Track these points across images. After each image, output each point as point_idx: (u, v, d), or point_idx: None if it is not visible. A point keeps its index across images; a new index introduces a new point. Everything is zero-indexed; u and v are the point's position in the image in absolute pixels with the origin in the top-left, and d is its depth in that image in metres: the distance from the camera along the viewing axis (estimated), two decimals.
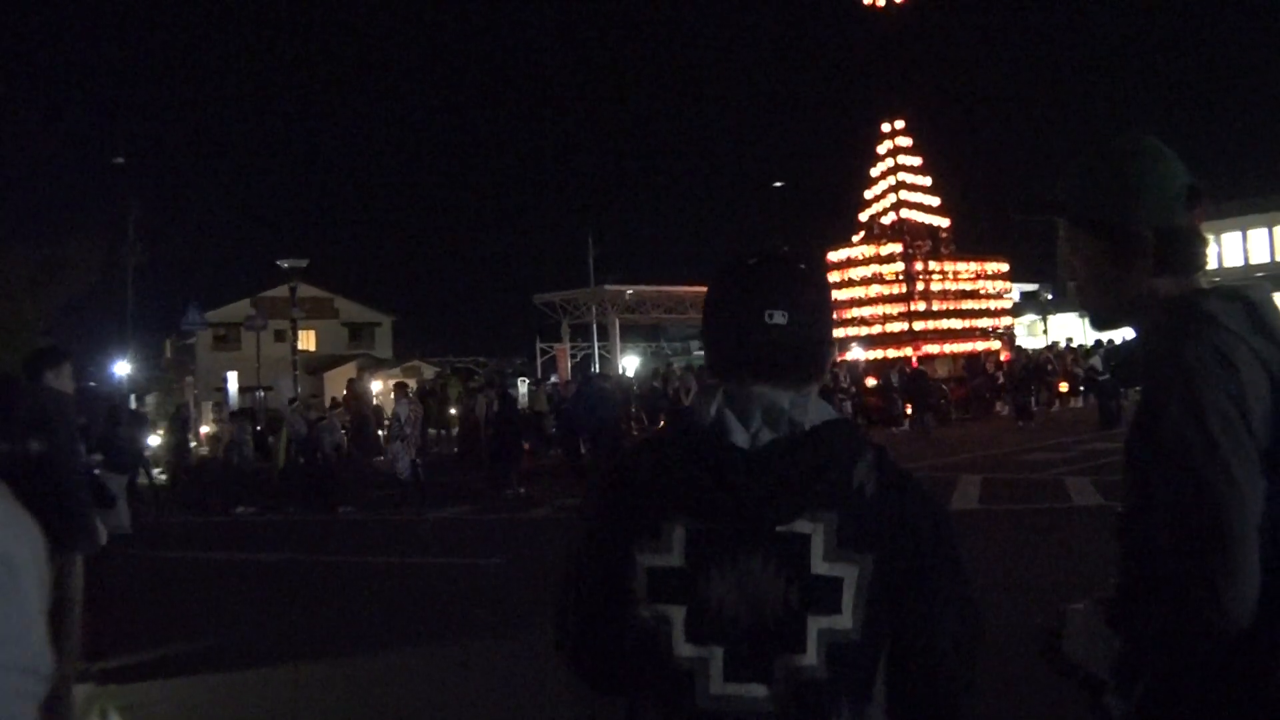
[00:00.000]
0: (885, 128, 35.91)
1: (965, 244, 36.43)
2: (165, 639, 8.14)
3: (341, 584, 10.92)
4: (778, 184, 50.44)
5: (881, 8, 35.46)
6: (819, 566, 1.54)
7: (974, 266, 36.12)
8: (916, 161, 36.02)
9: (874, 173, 36.08)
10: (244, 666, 7.32)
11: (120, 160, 38.13)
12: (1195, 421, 1.75)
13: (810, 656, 1.53)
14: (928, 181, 35.87)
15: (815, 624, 1.53)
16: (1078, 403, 31.17)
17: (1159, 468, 1.82)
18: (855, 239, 35.98)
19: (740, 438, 1.58)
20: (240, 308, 48.84)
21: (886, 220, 35.28)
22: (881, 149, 35.88)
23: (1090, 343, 37.08)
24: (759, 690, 1.54)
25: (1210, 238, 2.04)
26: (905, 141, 35.90)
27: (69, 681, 5.78)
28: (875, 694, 1.60)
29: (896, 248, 34.66)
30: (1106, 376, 24.03)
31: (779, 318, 1.63)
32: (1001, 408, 29.30)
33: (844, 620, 1.54)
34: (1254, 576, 1.72)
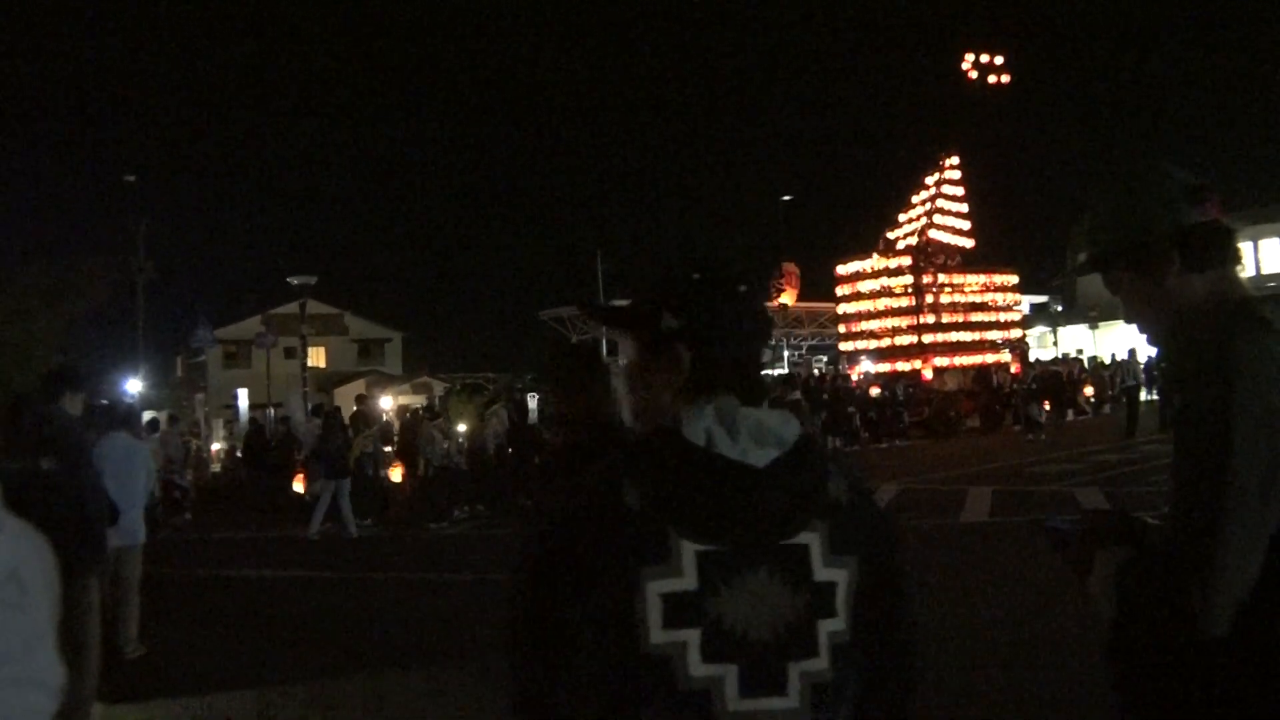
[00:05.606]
0: (939, 160, 36.06)
1: (975, 257, 36.45)
2: (173, 657, 8.16)
3: (350, 601, 10.93)
4: (786, 198, 50.34)
5: (974, 80, 36.08)
6: (820, 573, 1.59)
7: (983, 279, 36.11)
8: (959, 191, 36.15)
9: (915, 199, 36.13)
10: (253, 685, 7.32)
11: (131, 178, 38.28)
12: (1223, 421, 1.74)
13: (822, 660, 1.58)
14: (964, 208, 35.98)
15: (823, 627, 1.59)
16: (1089, 414, 31.23)
17: (1178, 457, 1.82)
18: (874, 253, 36.06)
19: (737, 456, 1.59)
20: (250, 325, 48.98)
21: (913, 240, 35.26)
22: (930, 179, 35.95)
23: (1104, 356, 37.25)
24: (775, 703, 1.56)
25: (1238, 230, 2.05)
26: (954, 174, 36.03)
27: (91, 698, 5.79)
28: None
29: (906, 260, 34.66)
30: (1132, 383, 24.17)
31: (768, 352, 1.75)
32: (1013, 420, 29.28)
33: (839, 622, 1.60)
34: (1237, 588, 1.71)
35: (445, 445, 18.98)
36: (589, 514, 1.60)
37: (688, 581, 1.54)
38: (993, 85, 37.10)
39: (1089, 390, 32.65)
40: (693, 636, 1.54)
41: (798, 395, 14.21)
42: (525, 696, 1.67)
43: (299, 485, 19.43)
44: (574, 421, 3.67)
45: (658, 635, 1.54)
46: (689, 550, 1.55)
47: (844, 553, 1.62)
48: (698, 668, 1.54)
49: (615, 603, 1.55)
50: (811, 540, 1.60)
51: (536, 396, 39.58)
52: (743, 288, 1.74)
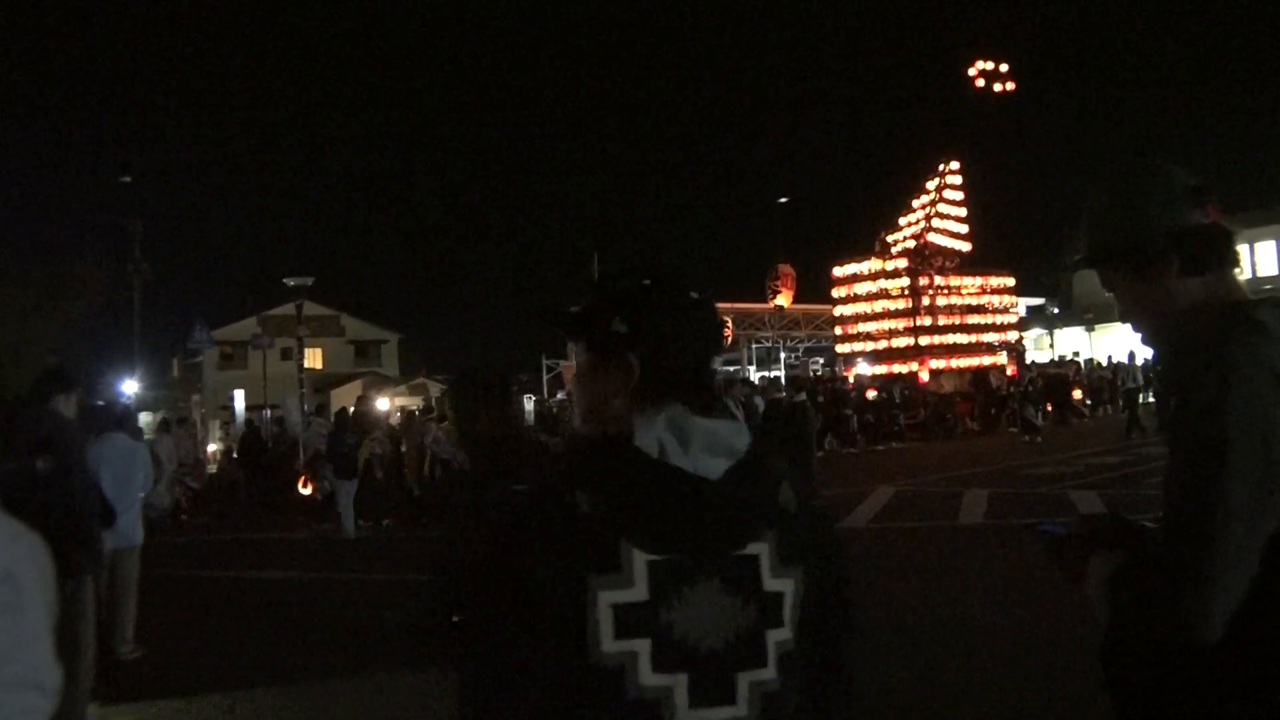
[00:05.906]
0: (940, 165, 36.05)
1: (971, 259, 36.44)
2: (170, 658, 8.15)
3: (349, 602, 10.92)
4: (783, 200, 50.36)
5: (980, 88, 36.30)
6: (769, 584, 1.61)
7: (979, 281, 36.12)
8: (959, 196, 36.13)
9: (915, 203, 36.07)
10: (251, 685, 7.32)
11: (126, 179, 38.28)
12: (1215, 425, 1.73)
13: (771, 669, 1.60)
14: (963, 212, 35.98)
15: (771, 637, 1.60)
16: (1086, 417, 31.29)
17: (1173, 460, 1.81)
18: (871, 255, 36.04)
19: (689, 466, 1.59)
20: (246, 326, 48.92)
21: (910, 243, 35.20)
22: (930, 184, 35.93)
23: (1101, 358, 37.31)
24: (725, 712, 1.56)
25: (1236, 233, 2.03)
26: (955, 180, 36.01)
27: (87, 699, 5.80)
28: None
29: (902, 263, 34.65)
30: (1132, 385, 24.25)
31: (719, 360, 1.74)
32: (1008, 423, 29.31)
33: (786, 632, 1.62)
34: (1228, 595, 1.70)
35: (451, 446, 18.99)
36: (539, 521, 1.58)
37: (639, 592, 1.54)
38: (998, 93, 37.33)
39: (1078, 393, 32.68)
40: (643, 646, 1.54)
41: (803, 398, 14.07)
42: (474, 705, 1.66)
43: (305, 489, 19.40)
44: (467, 443, 3.84)
45: (608, 644, 1.53)
46: (640, 560, 1.54)
47: (791, 563, 1.63)
48: (648, 677, 1.54)
49: (565, 611, 1.54)
50: (761, 551, 1.61)
51: (532, 398, 39.60)
52: (694, 294, 1.73)
